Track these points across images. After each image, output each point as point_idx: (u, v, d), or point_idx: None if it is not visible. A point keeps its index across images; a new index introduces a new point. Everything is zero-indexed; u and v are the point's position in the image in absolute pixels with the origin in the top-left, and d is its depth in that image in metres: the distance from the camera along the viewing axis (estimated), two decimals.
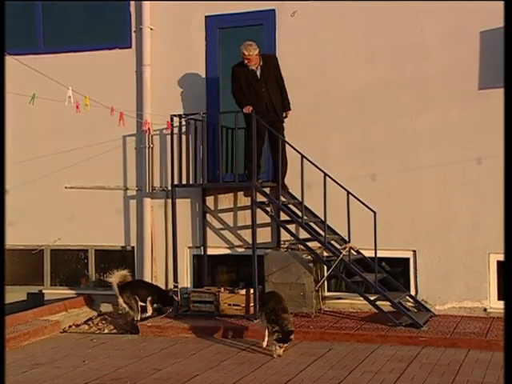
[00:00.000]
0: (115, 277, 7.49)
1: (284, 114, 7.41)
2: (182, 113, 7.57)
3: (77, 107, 6.05)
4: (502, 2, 6.76)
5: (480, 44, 7.07)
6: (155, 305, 7.60)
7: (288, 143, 7.27)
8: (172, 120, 7.50)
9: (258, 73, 7.28)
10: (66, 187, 8.62)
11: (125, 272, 7.60)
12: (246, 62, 7.22)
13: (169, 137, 7.71)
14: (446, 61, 7.20)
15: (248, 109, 7.11)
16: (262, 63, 7.27)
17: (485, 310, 7.10)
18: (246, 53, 7.17)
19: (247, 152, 7.33)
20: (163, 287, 8.05)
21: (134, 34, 8.31)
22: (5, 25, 6.17)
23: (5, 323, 5.95)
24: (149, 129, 7.78)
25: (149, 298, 7.55)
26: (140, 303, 7.51)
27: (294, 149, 7.14)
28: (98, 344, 6.76)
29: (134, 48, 8.31)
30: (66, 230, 8.56)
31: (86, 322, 7.88)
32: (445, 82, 7.22)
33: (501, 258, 7.06)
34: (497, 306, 7.06)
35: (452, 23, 7.17)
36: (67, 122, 8.27)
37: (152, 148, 8.24)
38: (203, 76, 8.07)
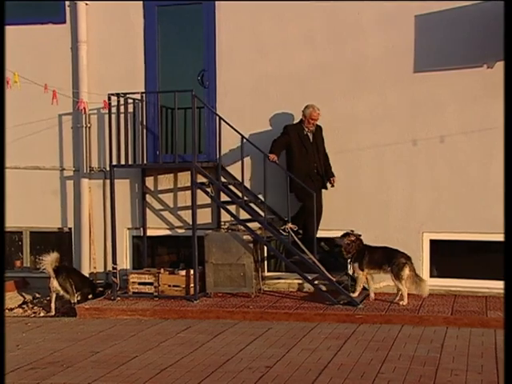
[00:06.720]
0: (49, 260, 7.29)
1: (331, 182, 7.30)
2: (120, 92, 7.40)
3: (7, 83, 5.82)
4: None
5: (415, 28, 7.21)
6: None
7: (228, 124, 7.24)
8: (110, 99, 7.33)
9: (311, 137, 7.25)
10: None
11: (57, 254, 7.41)
12: (312, 122, 7.15)
13: (107, 116, 7.54)
14: (382, 44, 7.32)
15: (273, 157, 7.03)
16: (314, 129, 7.25)
17: None
18: (317, 113, 7.11)
19: (308, 214, 7.09)
20: (101, 269, 7.94)
21: (68, 9, 8.04)
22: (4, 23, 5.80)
23: (4, 321, 5.68)
24: (84, 108, 7.56)
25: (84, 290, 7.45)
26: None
27: (235, 129, 7.14)
28: (32, 328, 6.61)
29: (69, 23, 8.04)
30: None
31: (20, 306, 7.68)
32: (381, 65, 7.34)
33: (433, 236, 7.31)
34: (429, 283, 7.31)
35: (388, 7, 7.27)
36: None
37: (89, 128, 8.04)
38: (142, 54, 7.90)
